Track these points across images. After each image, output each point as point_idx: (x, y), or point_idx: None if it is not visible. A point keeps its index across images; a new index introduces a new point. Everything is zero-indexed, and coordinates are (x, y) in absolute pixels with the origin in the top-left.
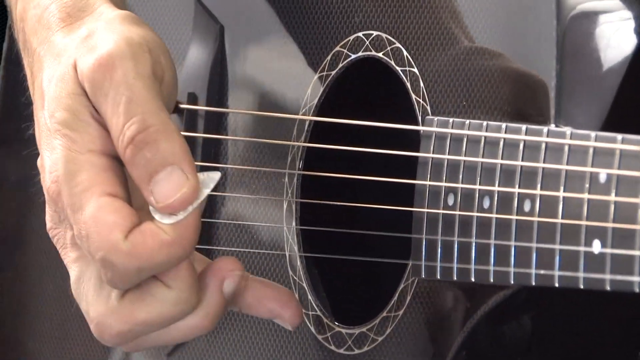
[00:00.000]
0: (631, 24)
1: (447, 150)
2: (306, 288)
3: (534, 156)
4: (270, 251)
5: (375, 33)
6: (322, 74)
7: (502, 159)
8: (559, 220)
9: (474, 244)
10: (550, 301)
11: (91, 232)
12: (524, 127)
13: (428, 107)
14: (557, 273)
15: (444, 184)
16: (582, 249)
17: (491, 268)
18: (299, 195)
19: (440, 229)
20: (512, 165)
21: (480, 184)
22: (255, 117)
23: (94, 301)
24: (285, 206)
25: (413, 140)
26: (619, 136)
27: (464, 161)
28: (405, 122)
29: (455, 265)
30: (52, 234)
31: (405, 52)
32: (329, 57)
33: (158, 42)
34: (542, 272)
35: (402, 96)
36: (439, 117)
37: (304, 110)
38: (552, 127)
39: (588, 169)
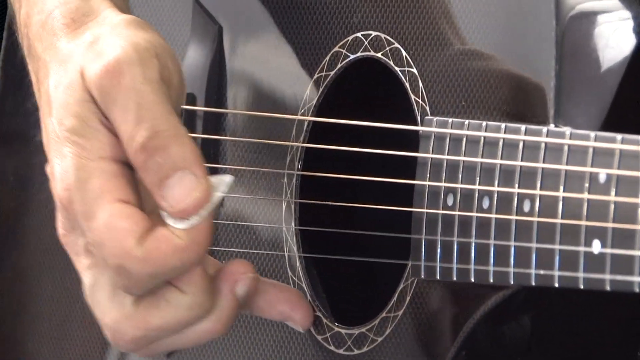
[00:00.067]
0: (630, 24)
1: (447, 151)
2: (305, 288)
3: (534, 156)
4: (269, 252)
5: (373, 33)
6: (320, 74)
7: (501, 159)
8: (559, 221)
9: (473, 244)
10: (550, 301)
11: (105, 239)
12: (523, 127)
13: (427, 108)
14: (556, 273)
15: (443, 184)
16: (581, 249)
17: (491, 268)
18: (298, 195)
19: (440, 229)
20: (512, 166)
21: (479, 184)
22: (254, 118)
23: (109, 308)
24: (284, 207)
25: (412, 141)
26: (619, 136)
27: (463, 161)
28: (405, 122)
29: (454, 266)
30: (63, 241)
31: (404, 53)
32: (327, 58)
33: (164, 46)
34: (541, 272)
35: (401, 96)
36: (438, 117)
37: (302, 110)
38: (552, 127)
39: (588, 169)
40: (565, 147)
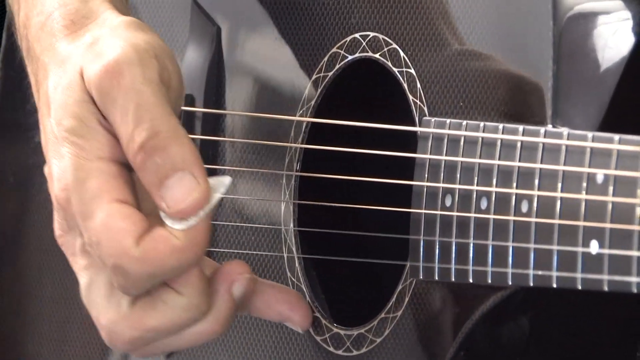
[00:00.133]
0: (628, 24)
1: (445, 151)
2: (304, 289)
3: (532, 157)
4: (268, 253)
5: (371, 34)
6: (319, 75)
7: (499, 159)
8: (557, 221)
9: (471, 245)
10: (548, 302)
11: (102, 238)
12: (521, 127)
13: (425, 108)
14: (554, 274)
15: (441, 184)
16: (579, 249)
17: (489, 269)
18: (297, 196)
19: (438, 230)
20: (510, 166)
21: (477, 185)
22: (252, 119)
23: (105, 308)
24: (283, 207)
25: (410, 141)
26: (616, 136)
27: (461, 162)
28: (403, 123)
29: (453, 266)
30: (60, 241)
31: (402, 53)
32: (325, 59)
33: (164, 48)
34: (539, 272)
35: (399, 97)
36: (436, 118)
37: (301, 111)
38: (549, 127)
39: (585, 169)
40: (563, 148)
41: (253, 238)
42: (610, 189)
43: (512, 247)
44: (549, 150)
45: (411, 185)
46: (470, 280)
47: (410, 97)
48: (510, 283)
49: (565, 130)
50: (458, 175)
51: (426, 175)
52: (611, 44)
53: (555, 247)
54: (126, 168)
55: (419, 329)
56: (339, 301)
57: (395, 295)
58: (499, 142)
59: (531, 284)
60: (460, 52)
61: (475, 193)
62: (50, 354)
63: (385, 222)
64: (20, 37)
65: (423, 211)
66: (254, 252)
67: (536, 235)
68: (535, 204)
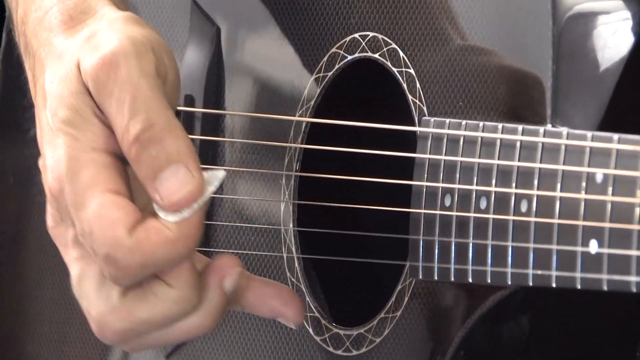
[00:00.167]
0: (628, 24)
1: (444, 151)
2: (304, 289)
3: (531, 156)
4: (268, 253)
5: (371, 34)
6: (318, 75)
7: (498, 159)
8: (556, 221)
9: (471, 245)
10: (548, 301)
11: (94, 228)
12: (520, 127)
13: (424, 108)
14: (554, 273)
15: (440, 184)
16: (579, 249)
17: (488, 269)
18: (297, 196)
19: (438, 230)
20: (509, 166)
21: (477, 185)
22: (252, 119)
23: (95, 299)
24: (282, 208)
25: (410, 141)
26: (616, 136)
27: (461, 162)
28: (402, 123)
29: (452, 266)
30: (52, 233)
31: (401, 53)
32: (325, 59)
33: (161, 42)
34: (539, 272)
35: (398, 97)
36: (435, 118)
37: (300, 111)
38: (549, 127)
39: (585, 169)
40: (563, 147)
41: (253, 238)
42: (610, 188)
43: (512, 246)
44: (549, 149)
45: (410, 185)
46: (470, 280)
47: (410, 97)
48: (509, 283)
49: (564, 130)
50: (457, 175)
51: (425, 175)
52: (611, 43)
53: (554, 247)
54: (120, 161)
55: (418, 328)
56: (339, 301)
57: (394, 295)
58: (498, 142)
59: (530, 284)
60: (460, 51)
61: (474, 193)
62: (50, 355)
63: (385, 222)
64: (18, 34)
65: (422, 211)
66: (254, 253)
67: (535, 235)
68: (534, 204)
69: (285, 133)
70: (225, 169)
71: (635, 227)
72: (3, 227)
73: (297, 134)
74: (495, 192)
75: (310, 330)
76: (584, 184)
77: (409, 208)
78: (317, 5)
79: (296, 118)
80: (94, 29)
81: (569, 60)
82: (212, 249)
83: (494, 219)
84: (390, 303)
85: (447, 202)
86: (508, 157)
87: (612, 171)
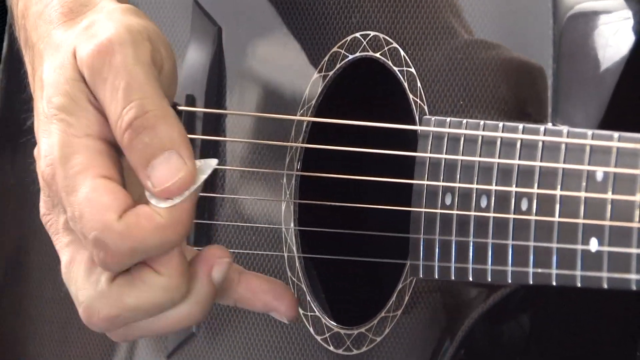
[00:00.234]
0: (629, 23)
1: (445, 150)
2: (305, 289)
3: (531, 155)
4: (268, 252)
5: (372, 33)
6: (320, 74)
7: (499, 157)
8: (556, 219)
9: (471, 243)
10: (548, 300)
11: (85, 212)
12: (521, 126)
13: (425, 107)
14: (554, 271)
15: (441, 183)
16: (579, 247)
17: (489, 267)
18: (298, 196)
19: (438, 229)
20: (509, 164)
21: (477, 183)
22: (253, 119)
23: (84, 285)
24: (283, 207)
25: (411, 140)
26: (616, 134)
27: (461, 160)
28: (403, 122)
29: (453, 265)
30: (45, 220)
31: (402, 52)
32: (326, 58)
33: (158, 33)
34: (539, 270)
35: (399, 96)
36: (436, 117)
37: (302, 111)
38: (549, 125)
39: (585, 167)
40: (563, 146)
41: (253, 238)
42: (610, 186)
43: (512, 245)
44: (549, 148)
45: (411, 184)
46: (470, 279)
47: (411, 96)
48: (510, 281)
49: (565, 128)
50: (458, 174)
51: (426, 174)
52: (612, 43)
53: (554, 245)
54: (114, 148)
55: (419, 327)
56: (339, 300)
57: (395, 294)
58: (498, 141)
59: (531, 282)
60: (460, 51)
61: (475, 191)
62: (52, 355)
63: (386, 221)
64: (19, 28)
65: (423, 210)
66: (255, 252)
67: (536, 233)
68: (535, 202)
69: (286, 132)
70: (221, 167)
71: (635, 225)
72: (4, 227)
73: (299, 133)
74: (495, 190)
75: (311, 330)
76: (584, 183)
77: (409, 207)
78: (319, 5)
79: (297, 117)
80: (92, 19)
81: (570, 59)
82: None
83: (494, 217)
84: (390, 302)
85: (448, 201)
86: (508, 156)
87: (612, 169)
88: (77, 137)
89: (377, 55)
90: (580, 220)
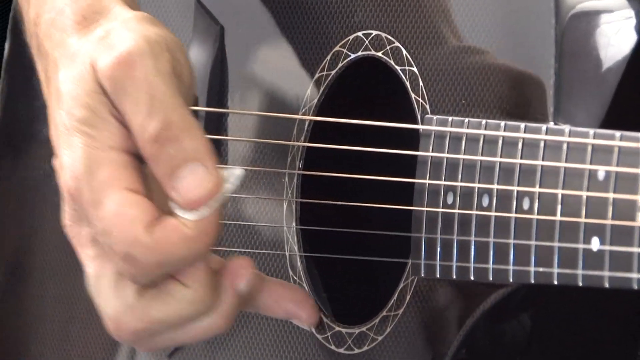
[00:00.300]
0: (631, 22)
1: (447, 149)
2: (306, 288)
3: (533, 154)
4: (270, 251)
5: (374, 32)
6: (321, 73)
7: (501, 157)
8: (558, 218)
9: (473, 243)
10: (549, 299)
11: (113, 226)
12: (522, 125)
13: (427, 106)
14: (556, 270)
15: (443, 182)
16: (580, 246)
17: (490, 266)
18: (299, 195)
19: (440, 228)
20: (511, 163)
21: (479, 183)
22: (255, 118)
23: (111, 298)
24: (285, 206)
25: (413, 139)
26: (618, 133)
27: (463, 159)
28: (405, 121)
29: (454, 264)
30: (69, 232)
31: (404, 52)
32: (328, 57)
33: (176, 41)
34: (541, 269)
35: (401, 95)
36: (438, 116)
37: (304, 110)
38: (551, 124)
39: (587, 166)
40: (565, 145)
41: (255, 237)
42: (612, 185)
43: (514, 244)
44: (551, 147)
45: (413, 183)
46: (472, 278)
47: (413, 95)
48: (511, 280)
49: (566, 128)
50: (460, 173)
51: (428, 173)
52: (613, 42)
53: (556, 244)
54: (137, 160)
55: (420, 327)
56: (341, 299)
57: (396, 294)
58: (500, 140)
59: (532, 281)
60: (462, 50)
61: (477, 190)
62: (53, 354)
63: (387, 220)
64: (30, 35)
65: (425, 209)
66: (256, 251)
67: (537, 232)
68: (536, 201)
69: (288, 131)
70: (243, 169)
71: (637, 224)
72: (5, 226)
73: (300, 132)
74: (497, 189)
75: (312, 329)
76: (586, 182)
77: (411, 206)
78: (321, 4)
79: (299, 116)
80: (107, 28)
81: (572, 58)
82: (215, 248)
83: (496, 216)
84: (392, 301)
85: (450, 200)
86: (510, 155)
87: (614, 168)
88: (100, 150)
89: (379, 54)
90: (582, 220)
